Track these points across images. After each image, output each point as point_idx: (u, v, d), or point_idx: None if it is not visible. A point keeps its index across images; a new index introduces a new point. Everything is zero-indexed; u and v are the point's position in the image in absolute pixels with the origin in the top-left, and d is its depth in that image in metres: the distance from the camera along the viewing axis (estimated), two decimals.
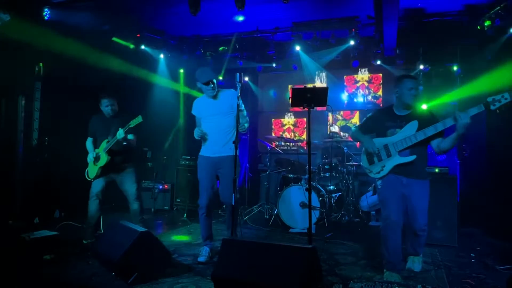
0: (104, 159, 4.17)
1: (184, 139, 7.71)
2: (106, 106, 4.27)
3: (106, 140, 4.22)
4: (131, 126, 4.02)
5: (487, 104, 2.88)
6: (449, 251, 4.11)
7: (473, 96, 5.43)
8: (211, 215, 3.84)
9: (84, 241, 4.20)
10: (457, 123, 2.92)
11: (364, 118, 3.60)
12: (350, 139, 6.94)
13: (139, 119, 3.98)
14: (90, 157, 4.30)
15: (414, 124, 3.17)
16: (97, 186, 4.26)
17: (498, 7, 4.85)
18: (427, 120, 3.17)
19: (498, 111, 2.88)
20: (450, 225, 4.30)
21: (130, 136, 4.21)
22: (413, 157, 3.17)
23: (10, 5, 4.56)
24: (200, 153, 3.94)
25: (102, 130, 4.30)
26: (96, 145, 4.35)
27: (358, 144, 6.48)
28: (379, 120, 3.41)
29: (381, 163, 3.30)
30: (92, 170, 4.28)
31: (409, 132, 3.17)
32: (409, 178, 3.23)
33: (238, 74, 3.58)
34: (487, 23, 5.07)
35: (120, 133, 4.01)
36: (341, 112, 7.40)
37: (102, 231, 4.56)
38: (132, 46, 6.27)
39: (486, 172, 5.54)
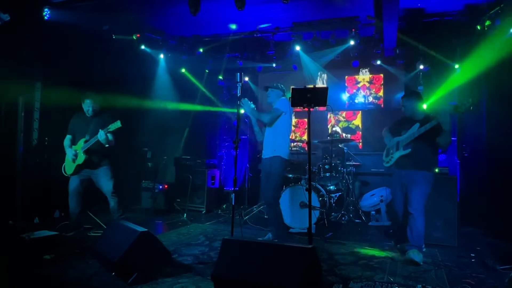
0: (81, 158, 4.43)
1: (184, 139, 7.72)
2: (88, 106, 4.52)
3: (83, 139, 4.44)
4: (110, 130, 4.26)
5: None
6: (449, 251, 4.11)
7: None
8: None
9: (63, 234, 4.45)
10: (435, 124, 3.72)
11: (393, 122, 4.39)
12: (352, 138, 6.97)
13: (117, 124, 4.21)
14: (70, 155, 4.48)
15: (416, 126, 3.93)
16: (73, 183, 4.53)
17: (498, 7, 4.85)
18: (425, 123, 3.86)
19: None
20: (450, 225, 4.31)
21: (109, 136, 4.42)
22: (408, 150, 3.92)
23: (10, 5, 4.56)
24: (283, 156, 4.27)
25: (80, 128, 4.53)
26: (74, 142, 4.57)
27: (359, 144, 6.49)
28: (399, 124, 4.23)
29: (391, 155, 4.14)
30: (69, 167, 4.54)
31: (411, 132, 3.95)
32: (407, 169, 3.95)
33: (238, 73, 3.58)
34: (487, 23, 5.07)
35: (101, 134, 4.24)
36: (343, 114, 7.38)
37: (84, 228, 4.72)
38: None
39: (486, 172, 5.54)
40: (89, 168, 4.55)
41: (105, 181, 4.57)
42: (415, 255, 3.65)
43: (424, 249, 3.89)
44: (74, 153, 4.46)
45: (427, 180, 3.85)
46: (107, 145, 4.41)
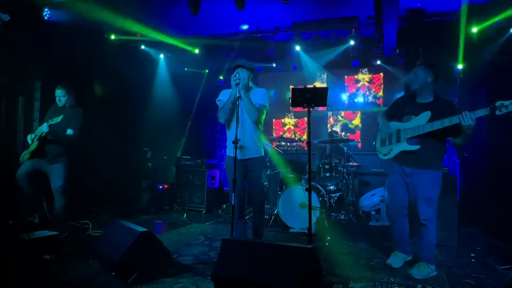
0: (34, 145, 4.21)
1: (184, 139, 7.72)
2: (59, 95, 4.34)
3: (40, 127, 4.26)
4: (52, 123, 4.06)
5: (494, 108, 2.89)
6: (449, 251, 4.11)
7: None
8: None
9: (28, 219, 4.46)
10: (463, 124, 2.98)
11: (392, 103, 3.68)
12: (351, 138, 6.96)
13: (57, 119, 4.05)
14: (28, 139, 4.31)
15: (426, 115, 3.22)
16: (21, 168, 4.27)
17: (498, 7, 4.86)
18: (440, 113, 3.14)
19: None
20: (450, 225, 4.30)
21: (69, 131, 4.24)
22: (416, 147, 3.24)
23: (10, 5, 4.56)
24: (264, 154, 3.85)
25: (49, 117, 4.27)
26: None
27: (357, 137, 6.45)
28: (400, 105, 3.52)
29: (390, 146, 3.44)
30: (25, 153, 4.33)
31: (420, 122, 3.24)
32: (412, 167, 3.31)
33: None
34: (487, 23, 5.08)
35: (43, 127, 4.08)
36: (342, 113, 7.39)
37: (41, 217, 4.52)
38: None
39: (486, 172, 5.54)
40: (42, 160, 4.26)
41: (55, 179, 4.24)
42: (422, 271, 3.25)
43: (433, 267, 3.34)
44: (32, 137, 4.25)
45: (438, 182, 3.26)
46: (49, 138, 4.15)
